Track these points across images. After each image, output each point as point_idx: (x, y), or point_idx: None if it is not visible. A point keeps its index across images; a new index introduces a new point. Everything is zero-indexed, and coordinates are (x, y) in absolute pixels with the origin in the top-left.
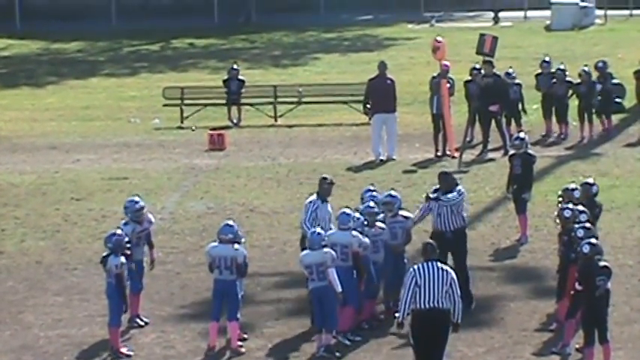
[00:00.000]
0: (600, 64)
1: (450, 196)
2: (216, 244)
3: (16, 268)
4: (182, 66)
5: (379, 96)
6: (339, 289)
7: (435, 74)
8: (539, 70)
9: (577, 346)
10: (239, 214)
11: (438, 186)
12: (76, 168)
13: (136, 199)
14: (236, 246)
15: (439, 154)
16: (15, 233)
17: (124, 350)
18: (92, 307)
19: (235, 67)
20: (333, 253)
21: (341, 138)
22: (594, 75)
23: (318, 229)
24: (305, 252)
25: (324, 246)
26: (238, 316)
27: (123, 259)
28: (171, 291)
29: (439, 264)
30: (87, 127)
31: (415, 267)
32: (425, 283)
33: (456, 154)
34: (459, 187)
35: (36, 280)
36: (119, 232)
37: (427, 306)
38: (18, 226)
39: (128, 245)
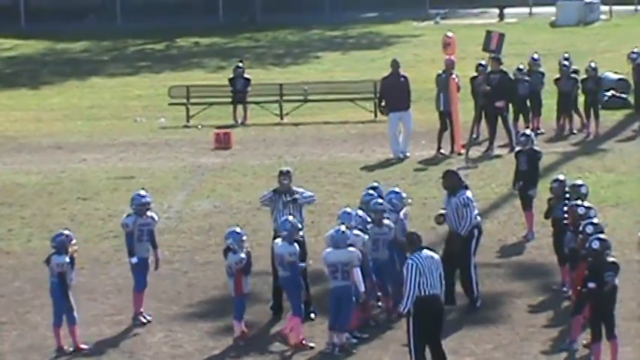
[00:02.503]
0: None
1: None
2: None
3: (23, 268)
4: (187, 65)
5: (393, 94)
6: (363, 288)
7: (440, 71)
8: (527, 68)
9: (584, 342)
10: (245, 213)
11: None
12: (82, 167)
13: (143, 193)
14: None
15: (442, 151)
16: (21, 233)
17: (66, 347)
18: (99, 307)
19: (241, 65)
20: (359, 252)
21: (347, 136)
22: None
23: (343, 227)
24: (328, 250)
25: (350, 245)
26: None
27: (67, 258)
28: (178, 290)
29: (428, 251)
30: (93, 126)
31: (414, 257)
32: (425, 271)
33: (462, 151)
34: (464, 192)
35: (42, 280)
36: (66, 232)
37: (429, 292)
38: (24, 226)
39: (75, 247)
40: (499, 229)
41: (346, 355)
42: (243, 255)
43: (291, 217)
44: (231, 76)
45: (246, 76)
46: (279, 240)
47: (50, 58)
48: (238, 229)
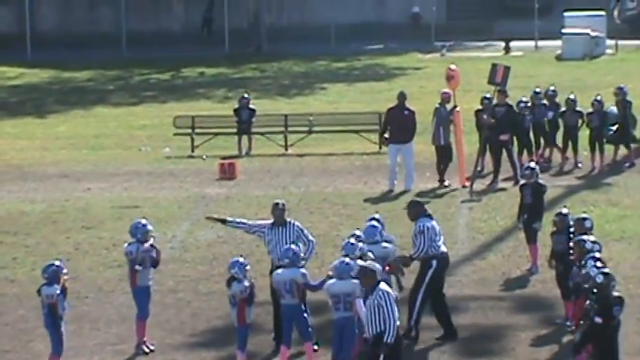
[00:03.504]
0: (550, 93)
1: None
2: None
3: (27, 296)
4: (192, 95)
5: (395, 126)
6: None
7: (437, 104)
8: (529, 101)
9: None
10: (249, 243)
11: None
12: (86, 196)
13: (144, 221)
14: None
15: (446, 183)
16: (25, 262)
17: None
18: (103, 336)
19: (246, 96)
20: None
21: (351, 167)
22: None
23: (347, 259)
24: (331, 281)
25: (353, 276)
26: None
27: (58, 289)
28: (182, 320)
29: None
30: (98, 155)
31: (385, 289)
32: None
33: (467, 184)
34: (423, 220)
35: None
36: (57, 263)
37: (397, 325)
38: (28, 254)
39: (66, 277)
40: (503, 262)
41: None
42: (247, 284)
43: (293, 246)
44: (236, 106)
45: (251, 106)
46: (280, 270)
47: (56, 86)
48: (242, 259)
